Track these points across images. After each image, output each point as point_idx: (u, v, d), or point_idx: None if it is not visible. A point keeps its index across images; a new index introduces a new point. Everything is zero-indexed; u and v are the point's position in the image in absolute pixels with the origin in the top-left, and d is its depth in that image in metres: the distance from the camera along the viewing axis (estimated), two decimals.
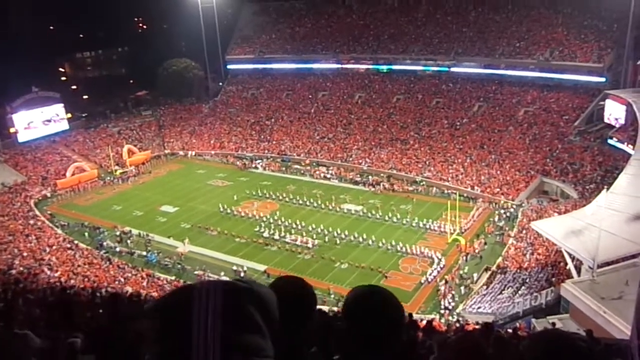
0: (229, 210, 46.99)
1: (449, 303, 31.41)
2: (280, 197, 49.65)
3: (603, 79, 52.33)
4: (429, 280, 34.45)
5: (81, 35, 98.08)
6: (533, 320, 26.10)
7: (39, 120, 62.00)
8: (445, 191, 48.09)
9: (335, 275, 35.77)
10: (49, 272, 34.41)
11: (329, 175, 55.30)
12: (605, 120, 48.85)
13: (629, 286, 22.70)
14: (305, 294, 2.03)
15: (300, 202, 48.33)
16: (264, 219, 44.62)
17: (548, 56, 56.34)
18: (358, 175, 54.24)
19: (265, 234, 42.17)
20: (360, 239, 40.09)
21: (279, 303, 1.41)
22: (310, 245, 40.02)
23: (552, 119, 53.33)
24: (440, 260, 36.35)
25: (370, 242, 39.64)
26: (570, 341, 1.69)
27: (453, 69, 63.19)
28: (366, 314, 1.75)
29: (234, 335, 1.22)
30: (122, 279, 35.01)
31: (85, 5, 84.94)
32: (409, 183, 51.16)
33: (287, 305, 1.90)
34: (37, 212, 48.27)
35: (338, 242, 40.40)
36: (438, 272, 35.32)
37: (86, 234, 44.04)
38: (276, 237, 41.55)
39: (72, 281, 31.86)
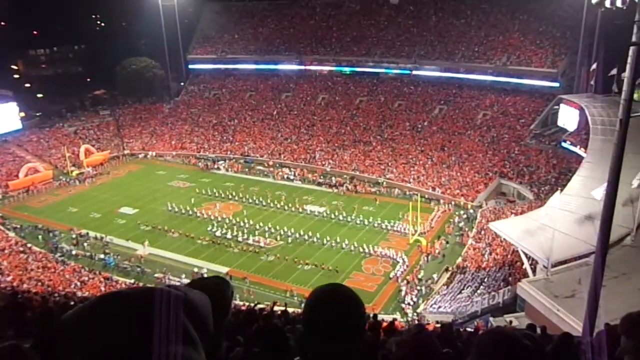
0: (190, 212, 46.30)
1: (411, 303, 31.84)
2: (243, 199, 49.26)
3: (557, 84, 54.17)
4: (397, 275, 35.18)
5: (35, 32, 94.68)
6: (491, 318, 26.74)
7: None
8: (407, 192, 48.77)
9: (298, 277, 35.73)
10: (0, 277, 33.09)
11: (292, 177, 55.24)
12: (559, 124, 50.58)
13: (581, 285, 23.51)
14: (217, 294, 2.02)
15: (264, 203, 48.09)
16: (227, 220, 44.20)
17: (505, 61, 57.94)
18: (321, 177, 54.39)
19: (218, 233, 41.98)
20: (324, 240, 40.20)
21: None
22: (262, 244, 40.12)
23: (510, 122, 54.86)
24: (404, 260, 36.81)
25: (333, 243, 39.79)
26: (515, 338, 1.73)
27: (414, 72, 64.19)
28: (327, 311, 1.72)
29: (167, 347, 1.18)
30: (78, 283, 33.99)
31: (40, 1, 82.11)
32: (372, 184, 51.63)
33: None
34: None
35: (301, 243, 40.39)
36: (403, 271, 35.79)
37: (40, 237, 42.53)
38: (228, 236, 41.45)
39: (25, 285, 30.72)
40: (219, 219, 44.57)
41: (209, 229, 42.97)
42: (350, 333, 1.71)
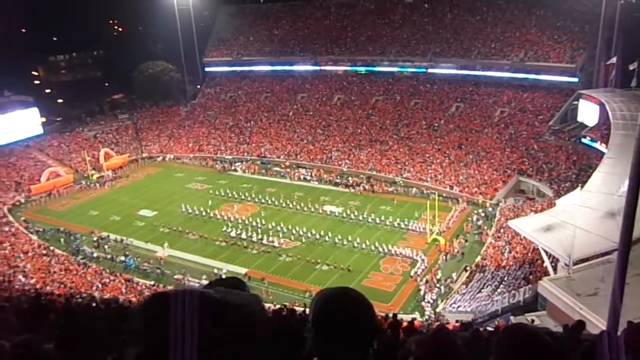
0: (204, 213, 46.63)
1: (430, 301, 31.66)
2: (261, 200, 49.45)
3: (576, 79, 53.39)
4: (418, 273, 35.11)
5: (55, 38, 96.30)
6: (511, 317, 26.44)
7: (12, 125, 60.69)
8: (425, 191, 48.49)
9: (316, 277, 35.74)
10: (23, 279, 33.73)
11: (308, 177, 55.30)
12: (579, 119, 49.83)
13: (604, 282, 23.14)
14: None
15: (282, 204, 48.20)
16: (245, 221, 44.42)
17: (522, 57, 57.28)
18: (338, 177, 54.35)
19: (232, 234, 42.28)
20: (342, 241, 40.15)
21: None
22: (275, 244, 40.38)
23: (528, 118, 54.22)
24: (423, 259, 36.63)
25: (351, 243, 39.72)
26: (536, 334, 1.72)
27: (430, 70, 63.82)
28: (336, 314, 1.72)
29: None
30: (100, 285, 34.48)
31: (59, 8, 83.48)
32: (389, 184, 51.45)
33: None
34: (11, 219, 47.22)
35: (318, 243, 40.42)
36: (423, 269, 35.66)
37: (62, 240, 43.24)
38: (243, 236, 41.76)
39: (48, 288, 31.28)
40: (238, 220, 44.81)
41: (223, 229, 43.30)
42: (359, 336, 1.71)
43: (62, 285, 33.18)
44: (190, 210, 47.39)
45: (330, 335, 1.70)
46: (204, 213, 46.74)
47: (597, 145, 44.19)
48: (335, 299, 1.78)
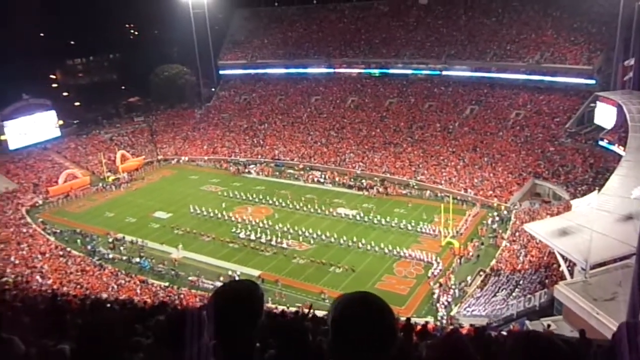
0: (212, 215, 46.89)
1: (445, 304, 31.44)
2: (275, 202, 49.57)
3: (593, 81, 52.70)
4: (435, 274, 35.08)
5: (72, 42, 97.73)
6: (527, 322, 26.17)
7: (30, 128, 61.66)
8: (439, 194, 48.20)
9: (330, 280, 35.70)
10: (40, 280, 34.19)
11: (322, 180, 55.31)
12: (596, 121, 49.20)
13: (621, 287, 22.80)
14: (248, 295, 2.06)
15: (296, 207, 48.26)
16: (259, 223, 44.56)
17: (538, 59, 56.73)
18: (351, 180, 54.27)
19: (242, 235, 42.54)
20: (356, 243, 40.06)
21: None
22: (284, 245, 40.60)
23: (544, 121, 53.66)
24: (438, 262, 36.43)
25: (364, 246, 39.62)
26: (551, 342, 1.70)
27: (445, 73, 63.48)
28: (359, 322, 1.70)
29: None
30: (115, 286, 34.80)
31: (76, 12, 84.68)
32: (403, 186, 51.24)
33: (231, 308, 1.93)
34: (29, 220, 47.95)
35: (332, 246, 40.40)
36: (439, 271, 35.52)
37: (79, 241, 43.75)
38: (252, 237, 42.03)
39: (65, 288, 31.66)
40: (251, 222, 44.96)
41: (232, 230, 43.62)
42: (380, 341, 1.70)
43: (79, 286, 33.56)
44: (204, 213, 47.68)
45: (349, 339, 1.69)
46: (218, 215, 46.99)
47: (614, 147, 43.58)
48: (355, 303, 1.77)
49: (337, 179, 54.87)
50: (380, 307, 1.75)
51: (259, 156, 62.98)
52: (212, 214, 47.21)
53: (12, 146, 59.99)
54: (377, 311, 1.73)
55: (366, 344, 1.67)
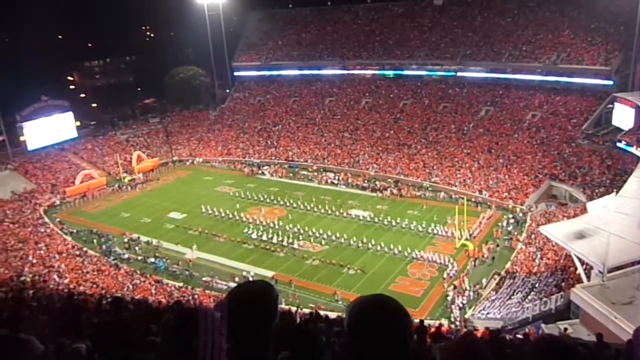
0: (238, 217, 47.08)
1: (460, 306, 31.22)
2: (288, 203, 49.68)
3: (611, 82, 51.99)
4: (451, 275, 35.04)
5: (89, 44, 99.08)
6: (542, 325, 25.86)
7: (48, 129, 62.55)
8: (453, 196, 47.90)
9: (343, 281, 35.66)
10: (58, 279, 34.65)
11: (336, 181, 55.28)
12: (614, 123, 48.53)
13: (639, 291, 22.46)
14: (263, 296, 2.06)
15: (308, 208, 48.33)
16: (271, 224, 44.70)
17: (555, 60, 56.12)
18: (365, 181, 54.17)
19: (254, 236, 42.81)
20: (368, 245, 40.00)
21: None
22: (296, 246, 40.87)
23: (560, 122, 53.06)
24: (453, 265, 36.22)
25: (378, 247, 39.52)
26: (570, 347, 1.68)
27: (459, 74, 63.07)
28: (375, 325, 1.71)
29: None
30: (131, 286, 35.13)
31: (93, 15, 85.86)
32: (417, 188, 51.02)
33: (245, 309, 1.94)
34: (47, 220, 48.63)
35: (345, 247, 40.38)
36: (454, 273, 35.39)
37: (95, 241, 44.25)
38: (264, 238, 42.32)
39: (81, 288, 32.05)
40: (265, 223, 45.11)
41: (244, 231, 43.89)
42: (395, 343, 1.70)
43: (95, 286, 33.94)
44: (217, 213, 47.94)
45: (366, 341, 1.69)
46: (231, 216, 47.20)
47: (632, 149, 42.92)
48: (371, 305, 1.77)
49: (350, 180, 54.81)
50: (395, 309, 1.75)
51: (273, 157, 63.16)
52: (225, 215, 47.43)
53: (30, 147, 60.89)
54: (392, 313, 1.74)
55: (382, 346, 1.67)
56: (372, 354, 1.68)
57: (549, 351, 1.72)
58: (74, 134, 66.04)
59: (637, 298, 22.24)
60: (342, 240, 41.20)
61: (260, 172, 60.61)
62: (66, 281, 34.34)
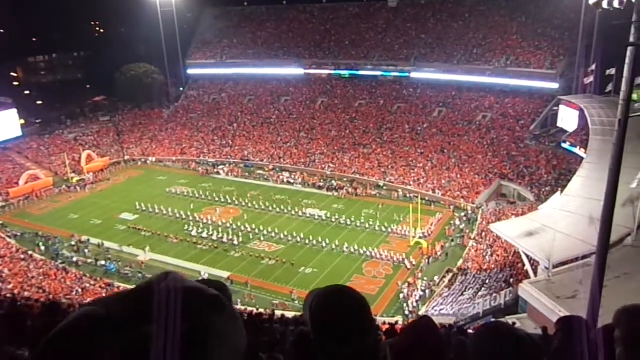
0: (193, 217, 46.29)
1: (412, 305, 31.78)
2: (243, 203, 49.24)
3: (556, 85, 54.17)
4: (408, 267, 36.12)
5: (34, 39, 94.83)
6: (492, 320, 26.64)
7: None
8: (407, 195, 48.72)
9: (300, 280, 35.66)
10: (0, 284, 33.04)
11: (292, 180, 55.22)
12: (559, 124, 50.59)
13: (582, 285, 23.46)
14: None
15: (263, 207, 48.07)
16: (227, 224, 44.20)
17: (504, 62, 57.98)
18: (321, 180, 54.35)
19: (193, 232, 42.78)
20: (324, 243, 40.16)
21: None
22: (235, 242, 41.03)
23: (509, 123, 54.88)
24: (407, 262, 36.89)
25: (333, 246, 39.74)
26: (511, 329, 1.73)
27: (413, 75, 64.17)
28: (338, 312, 1.68)
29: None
30: (80, 290, 33.92)
31: (38, 8, 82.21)
32: (372, 187, 51.59)
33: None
34: None
35: (300, 246, 40.38)
36: (408, 270, 36.06)
37: (40, 243, 42.45)
38: (204, 235, 42.49)
39: (26, 293, 30.68)
40: (220, 223, 44.56)
41: (184, 228, 43.85)
42: (359, 333, 1.68)
43: (41, 290, 32.59)
44: (171, 214, 46.99)
45: (332, 334, 1.67)
46: (184, 216, 46.36)
47: (576, 150, 44.88)
48: (334, 296, 1.74)
49: (306, 179, 54.86)
50: (355, 297, 1.73)
51: (228, 156, 62.45)
52: (184, 216, 46.52)
53: None
54: (353, 301, 1.72)
55: (345, 335, 1.66)
56: (332, 342, 1.66)
57: (491, 333, 1.77)
58: (18, 132, 63.13)
59: (580, 292, 23.22)
60: (296, 238, 41.19)
61: (215, 171, 59.80)
62: (9, 286, 32.80)
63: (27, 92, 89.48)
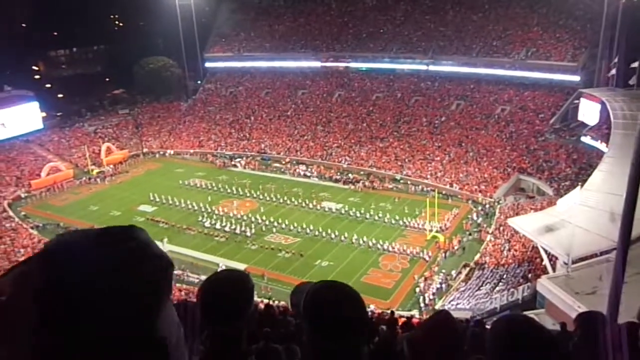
0: (209, 209, 46.66)
1: (429, 300, 31.68)
2: (260, 196, 49.47)
3: (577, 78, 53.24)
4: (426, 259, 36.14)
5: (55, 33, 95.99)
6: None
7: (12, 120, 60.64)
8: (425, 189, 48.45)
9: (316, 273, 35.75)
10: None
11: (308, 174, 55.28)
12: (580, 118, 49.75)
13: (602, 281, 23.15)
14: (240, 285, 2.04)
15: (280, 200, 48.23)
16: (244, 217, 44.47)
17: (524, 55, 57.14)
18: (338, 174, 54.30)
19: (207, 224, 43.16)
20: (340, 237, 40.18)
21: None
22: (248, 234, 41.35)
23: (528, 117, 54.16)
24: (429, 255, 37.00)
25: (350, 240, 39.74)
26: (530, 320, 1.72)
27: (431, 68, 63.59)
28: (333, 309, 1.67)
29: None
30: None
31: (59, 3, 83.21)
32: (389, 181, 51.42)
33: (221, 297, 1.91)
34: (11, 213, 47.28)
35: (317, 240, 40.47)
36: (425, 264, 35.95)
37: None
38: (217, 226, 42.83)
39: None
40: (237, 215, 44.84)
41: (199, 219, 44.34)
42: (355, 330, 1.68)
43: None
44: (190, 206, 47.41)
45: (327, 330, 1.66)
46: (202, 209, 46.75)
47: (597, 144, 44.14)
48: (330, 292, 1.73)
49: (323, 172, 54.87)
50: (349, 293, 1.73)
51: (245, 150, 62.72)
52: (197, 208, 46.95)
53: None
54: (349, 298, 1.72)
55: (341, 331, 1.65)
56: (327, 337, 1.65)
57: (510, 323, 1.76)
58: (40, 125, 64.20)
59: (600, 288, 22.93)
60: (315, 232, 41.28)
61: (232, 164, 60.13)
62: None
63: (48, 85, 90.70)
